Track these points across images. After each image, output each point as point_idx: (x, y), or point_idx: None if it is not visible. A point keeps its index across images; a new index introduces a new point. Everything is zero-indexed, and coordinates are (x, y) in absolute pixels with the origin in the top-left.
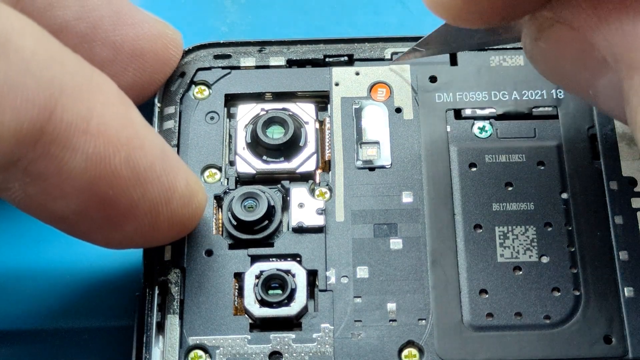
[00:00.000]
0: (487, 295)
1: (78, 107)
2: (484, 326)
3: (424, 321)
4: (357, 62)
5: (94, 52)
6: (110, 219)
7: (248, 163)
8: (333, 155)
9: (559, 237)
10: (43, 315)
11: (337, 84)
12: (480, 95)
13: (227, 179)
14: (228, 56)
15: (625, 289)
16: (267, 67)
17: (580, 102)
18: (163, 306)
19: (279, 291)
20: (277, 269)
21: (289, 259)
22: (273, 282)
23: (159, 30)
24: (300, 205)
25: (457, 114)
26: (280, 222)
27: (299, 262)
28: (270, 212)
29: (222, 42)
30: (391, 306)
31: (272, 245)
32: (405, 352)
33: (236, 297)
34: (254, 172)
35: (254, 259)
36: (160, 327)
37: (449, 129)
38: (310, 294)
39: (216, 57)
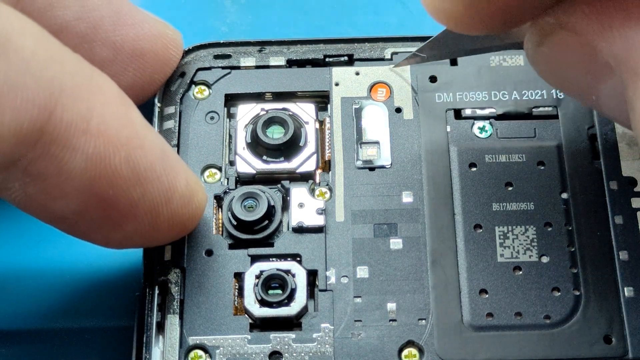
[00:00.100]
0: (487, 295)
1: (78, 107)
2: (484, 326)
3: (424, 321)
4: (357, 62)
5: (94, 52)
6: (110, 218)
7: (248, 163)
8: (333, 155)
9: (559, 237)
10: (43, 315)
11: (337, 84)
12: (480, 95)
13: (227, 179)
14: (228, 56)
15: (625, 289)
16: (267, 67)
17: None
18: (163, 306)
19: (279, 291)
20: (277, 269)
21: (289, 259)
22: (273, 282)
23: (159, 30)
24: (300, 205)
25: (457, 114)
26: (280, 222)
27: (299, 262)
28: (270, 212)
29: (222, 42)
30: (391, 306)
31: (272, 245)
32: (405, 352)
33: (236, 297)
34: (254, 172)
35: (254, 259)
36: (160, 327)
37: (449, 129)
38: (310, 294)
39: (216, 57)
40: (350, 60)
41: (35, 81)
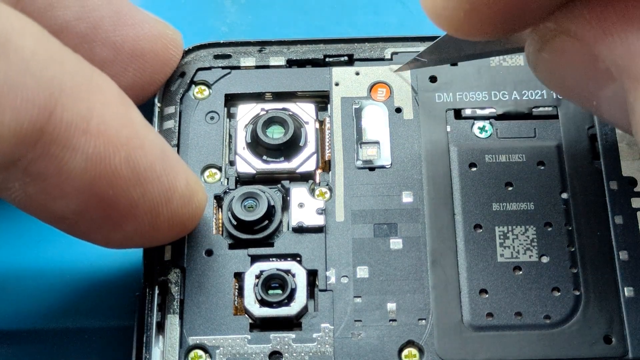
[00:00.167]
0: (487, 295)
1: (78, 107)
2: (484, 326)
3: (424, 321)
4: (357, 62)
5: (94, 53)
6: (110, 218)
7: (248, 163)
8: (333, 155)
9: (559, 237)
10: (43, 315)
11: (337, 84)
12: (480, 95)
13: (227, 179)
14: (228, 56)
15: (625, 289)
16: (267, 67)
17: None
18: (163, 306)
19: (279, 291)
20: (277, 269)
21: (289, 259)
22: (273, 282)
23: (159, 30)
24: (300, 205)
25: (457, 114)
26: (280, 222)
27: (299, 262)
28: (270, 212)
29: (222, 42)
30: (391, 306)
31: (272, 245)
32: (405, 352)
33: (236, 297)
34: (254, 172)
35: (254, 258)
36: (160, 327)
37: (449, 129)
38: (310, 294)
39: (216, 57)
40: (350, 60)
41: (35, 81)
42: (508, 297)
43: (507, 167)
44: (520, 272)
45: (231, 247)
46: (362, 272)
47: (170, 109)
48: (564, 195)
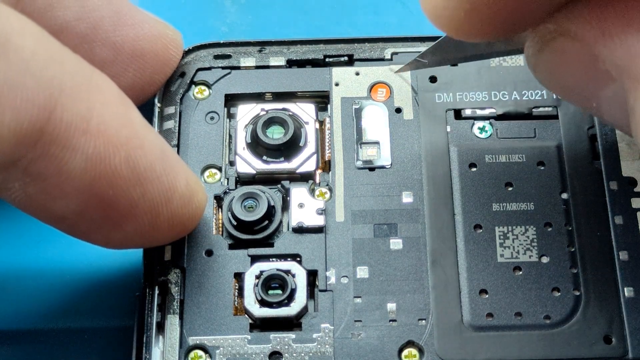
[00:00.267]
0: (487, 295)
1: (78, 107)
2: (484, 326)
3: (424, 321)
4: (357, 62)
5: (94, 53)
6: (110, 218)
7: (248, 163)
8: (333, 155)
9: (559, 237)
10: (43, 315)
11: (337, 84)
12: (480, 95)
13: (227, 179)
14: (228, 56)
15: (625, 289)
16: (267, 67)
17: None
18: (163, 306)
19: (279, 291)
20: (277, 269)
21: (289, 259)
22: (273, 282)
23: (159, 30)
24: (300, 205)
25: (457, 114)
26: (280, 222)
27: (299, 262)
28: (270, 212)
29: (222, 42)
30: (391, 306)
31: (272, 245)
32: (405, 352)
33: (236, 297)
34: (254, 172)
35: (254, 259)
36: (160, 327)
37: (449, 129)
38: (310, 294)
39: (216, 57)
40: (350, 60)
41: (35, 81)
42: (508, 297)
43: (507, 167)
44: (520, 272)
45: (231, 247)
46: (362, 272)
47: (170, 109)
48: (564, 196)
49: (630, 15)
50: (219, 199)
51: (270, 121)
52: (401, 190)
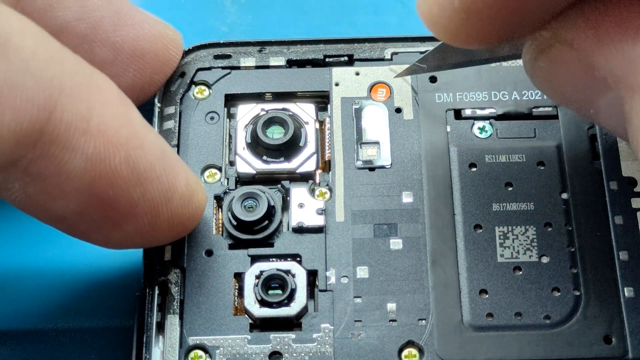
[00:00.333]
0: (487, 295)
1: (77, 107)
2: (484, 326)
3: (424, 321)
4: (357, 62)
5: (94, 53)
6: (110, 219)
7: (248, 163)
8: (333, 155)
9: (559, 237)
10: (43, 315)
11: (337, 84)
12: (480, 95)
13: (227, 179)
14: (228, 56)
15: (625, 289)
16: (267, 67)
17: None
18: (163, 306)
19: (279, 291)
20: (277, 269)
21: (289, 259)
22: (273, 282)
23: (159, 30)
24: (300, 205)
25: (457, 114)
26: (280, 222)
27: (299, 262)
28: (270, 212)
29: (222, 42)
30: (391, 306)
31: (272, 245)
32: (405, 352)
33: (236, 297)
34: (254, 172)
35: (254, 259)
36: (160, 327)
37: (449, 129)
38: (310, 294)
39: (216, 57)
40: (350, 60)
41: (34, 81)
42: (508, 297)
43: (507, 167)
44: (520, 272)
45: (231, 247)
46: (362, 272)
47: (170, 109)
48: (564, 195)
49: (625, 24)
50: (219, 199)
51: (270, 121)
52: (401, 190)
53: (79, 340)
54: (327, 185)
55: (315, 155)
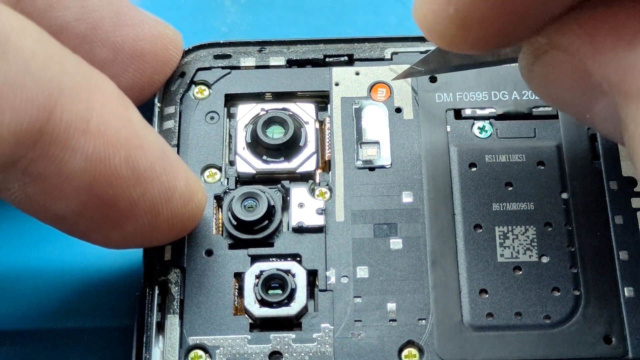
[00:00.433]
0: (487, 295)
1: (77, 107)
2: (484, 326)
3: (424, 321)
4: (357, 62)
5: (94, 53)
6: (110, 218)
7: (248, 163)
8: (333, 155)
9: (559, 237)
10: (43, 315)
11: (337, 84)
12: (480, 95)
13: (227, 179)
14: (228, 56)
15: (625, 289)
16: (267, 67)
17: None
18: (163, 306)
19: (279, 291)
20: (277, 269)
21: (289, 259)
22: (273, 282)
23: (159, 30)
24: (300, 205)
25: (457, 114)
26: (280, 222)
27: (299, 262)
28: (270, 212)
29: (222, 42)
30: (391, 306)
31: (272, 245)
32: (405, 352)
33: (236, 297)
34: (254, 172)
35: (254, 259)
36: (160, 327)
37: (449, 129)
38: (310, 294)
39: (216, 57)
40: (350, 60)
41: (34, 81)
42: (508, 297)
43: (507, 167)
44: (520, 272)
45: (231, 247)
46: (362, 272)
47: (170, 109)
48: (564, 195)
49: (620, 30)
50: (219, 199)
51: (270, 121)
52: (401, 190)
53: (79, 340)
54: (327, 185)
55: (315, 155)
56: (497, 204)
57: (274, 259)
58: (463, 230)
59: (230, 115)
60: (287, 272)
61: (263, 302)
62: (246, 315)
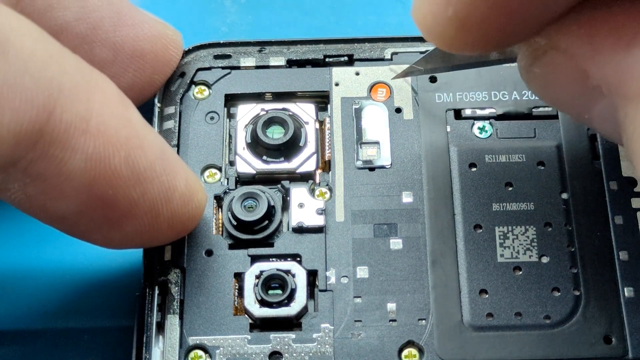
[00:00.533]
0: (487, 295)
1: (77, 108)
2: (484, 326)
3: (424, 321)
4: (357, 62)
5: (94, 53)
6: (110, 218)
7: (248, 163)
8: (333, 155)
9: (559, 237)
10: (43, 315)
11: (337, 84)
12: (480, 95)
13: (227, 179)
14: (228, 56)
15: (625, 289)
16: (267, 67)
17: None
18: (163, 306)
19: (279, 291)
20: (277, 269)
21: (289, 259)
22: (273, 282)
23: (159, 31)
24: (300, 205)
25: (457, 114)
26: (280, 222)
27: (299, 262)
28: (270, 212)
29: (222, 42)
30: (391, 306)
31: (272, 245)
32: (405, 352)
33: (236, 297)
34: (254, 172)
35: (254, 259)
36: (160, 327)
37: (449, 129)
38: (310, 294)
39: (216, 57)
40: (350, 60)
41: (34, 82)
42: (508, 297)
43: (507, 167)
44: (520, 272)
45: (231, 247)
46: (362, 272)
47: (170, 109)
48: (564, 195)
49: (619, 32)
50: (219, 199)
51: (270, 121)
52: (401, 190)
53: (79, 340)
54: (327, 185)
55: (315, 155)
56: (497, 204)
57: (274, 259)
58: (463, 230)
59: (230, 116)
60: (287, 272)
61: (263, 302)
62: (246, 315)
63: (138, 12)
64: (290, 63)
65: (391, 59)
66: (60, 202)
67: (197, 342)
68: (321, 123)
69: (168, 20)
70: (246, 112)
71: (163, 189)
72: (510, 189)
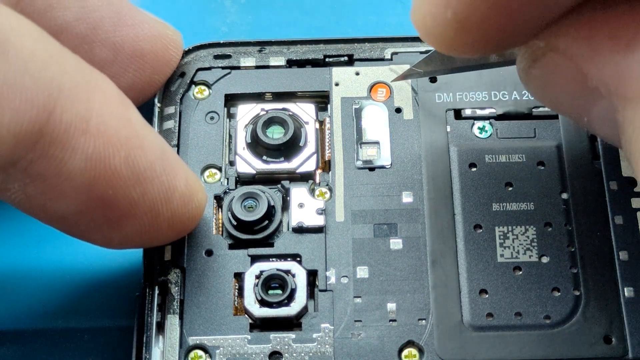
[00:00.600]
0: (487, 295)
1: (77, 108)
2: (484, 326)
3: (424, 321)
4: (357, 62)
5: (94, 53)
6: (110, 218)
7: (248, 163)
8: (333, 155)
9: (559, 237)
10: (43, 315)
11: (337, 84)
12: (480, 95)
13: (227, 179)
14: (228, 56)
15: (625, 289)
16: (267, 67)
17: None
18: (163, 306)
19: (279, 291)
20: (277, 269)
21: (289, 259)
22: (273, 282)
23: (159, 31)
24: (300, 205)
25: (457, 114)
26: (280, 222)
27: (299, 262)
28: (270, 212)
29: (222, 42)
30: (391, 306)
31: (272, 245)
32: (405, 352)
33: (236, 297)
34: (254, 172)
35: (254, 259)
36: (160, 327)
37: (449, 129)
38: (310, 294)
39: (216, 57)
40: (350, 60)
41: (34, 82)
42: (508, 297)
43: (507, 167)
44: (520, 272)
45: (231, 247)
46: (362, 272)
47: (170, 109)
48: (564, 195)
49: (618, 34)
50: (219, 199)
51: (270, 121)
52: (401, 190)
53: (79, 340)
54: (327, 185)
55: (315, 155)
56: (497, 204)
57: (274, 259)
58: (463, 230)
59: (230, 116)
60: (287, 272)
61: (263, 302)
62: (246, 315)
63: (138, 12)
64: (290, 63)
65: (391, 59)
66: (60, 202)
67: (197, 342)
68: (321, 123)
69: (168, 20)
70: (246, 112)
71: (163, 189)
72: (510, 189)
